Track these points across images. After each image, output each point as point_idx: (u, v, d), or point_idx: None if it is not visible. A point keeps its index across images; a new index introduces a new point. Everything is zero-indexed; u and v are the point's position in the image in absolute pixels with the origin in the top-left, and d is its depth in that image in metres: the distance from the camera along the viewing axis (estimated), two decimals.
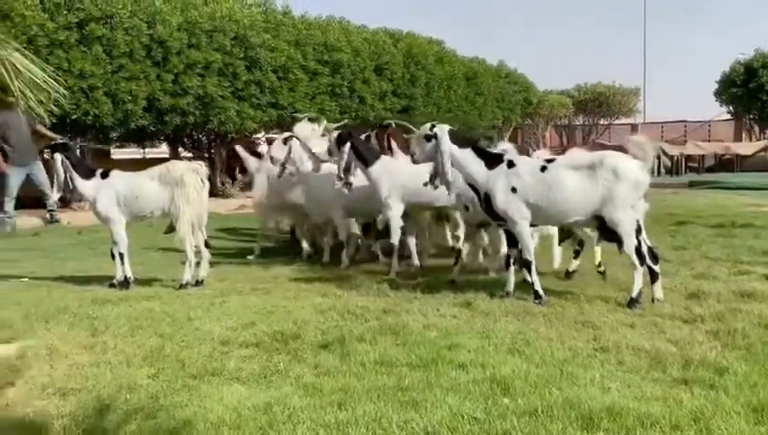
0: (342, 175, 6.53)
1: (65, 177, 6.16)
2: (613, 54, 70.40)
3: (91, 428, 3.18)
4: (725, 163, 26.51)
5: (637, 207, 5.31)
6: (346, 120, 8.41)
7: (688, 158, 25.73)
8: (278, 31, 15.79)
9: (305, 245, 7.94)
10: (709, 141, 29.25)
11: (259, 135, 10.95)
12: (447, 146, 5.51)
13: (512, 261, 5.68)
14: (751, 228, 9.18)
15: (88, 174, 6.29)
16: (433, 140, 5.57)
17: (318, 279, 6.51)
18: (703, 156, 26.38)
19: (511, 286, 5.58)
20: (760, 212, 11.29)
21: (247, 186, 9.96)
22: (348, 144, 6.57)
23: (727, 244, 7.96)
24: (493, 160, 5.57)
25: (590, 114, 33.84)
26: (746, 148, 27.51)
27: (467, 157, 5.56)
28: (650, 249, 5.35)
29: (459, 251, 6.34)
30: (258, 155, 8.75)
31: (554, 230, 6.45)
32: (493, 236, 6.61)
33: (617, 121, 34.35)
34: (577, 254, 6.34)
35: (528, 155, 7.01)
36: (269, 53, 15.25)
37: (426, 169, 5.71)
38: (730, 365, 3.73)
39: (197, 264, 6.27)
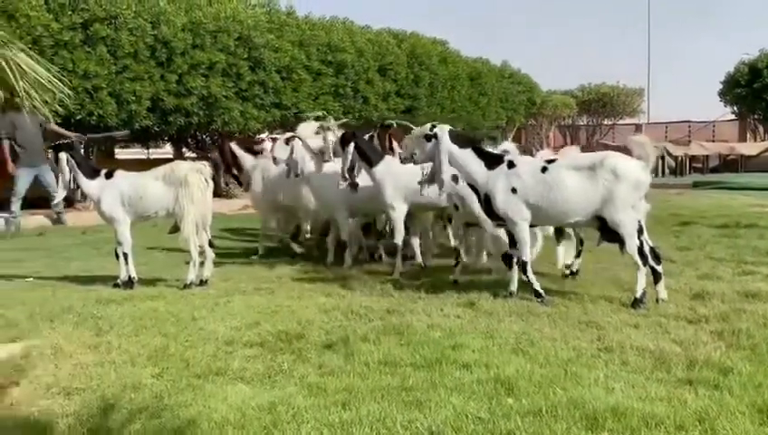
0: (347, 175, 6.53)
1: (71, 176, 6.19)
2: (617, 55, 70.44)
3: (95, 427, 3.19)
4: (730, 163, 26.46)
5: (638, 208, 5.30)
6: (343, 120, 8.37)
7: (692, 158, 25.70)
8: (282, 31, 15.80)
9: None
10: (713, 142, 29.23)
11: (263, 135, 10.96)
12: (446, 146, 5.52)
13: (514, 261, 5.68)
14: (755, 229, 9.16)
15: (92, 174, 6.30)
16: (433, 140, 5.58)
17: (322, 279, 6.51)
18: (707, 156, 26.35)
19: (514, 286, 5.58)
20: (764, 212, 11.27)
21: (243, 185, 9.99)
22: (352, 144, 6.59)
23: (732, 244, 7.94)
24: (493, 161, 5.57)
25: (594, 114, 33.83)
26: (751, 148, 27.48)
27: (467, 157, 5.56)
28: (652, 249, 5.34)
29: (459, 251, 6.36)
30: (254, 153, 8.75)
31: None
32: (478, 236, 6.65)
33: (621, 122, 34.33)
34: (578, 253, 6.34)
35: (531, 155, 7.02)
36: (273, 54, 15.26)
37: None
38: (734, 365, 3.72)
39: (201, 264, 6.28)
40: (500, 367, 3.77)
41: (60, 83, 4.97)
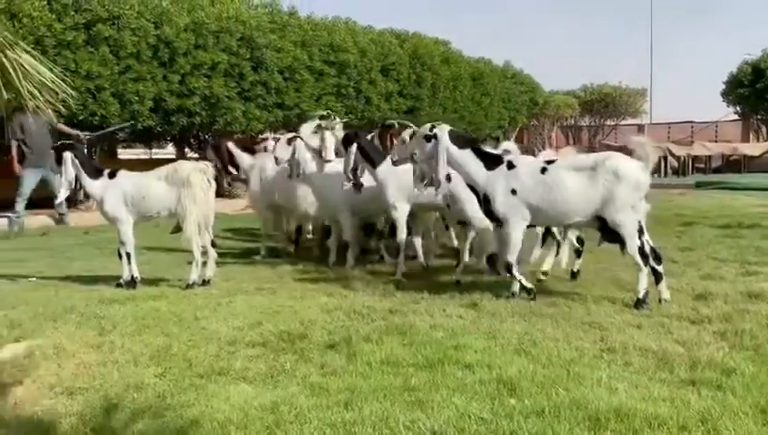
0: (351, 175, 6.54)
1: (75, 175, 6.19)
2: (620, 55, 70.39)
3: (98, 427, 3.19)
4: (732, 164, 26.43)
5: (638, 208, 5.30)
6: (337, 120, 8.37)
7: (695, 158, 25.67)
8: (284, 31, 15.82)
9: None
10: (716, 142, 29.18)
11: (268, 135, 10.97)
12: (446, 146, 5.52)
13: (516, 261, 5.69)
14: (758, 229, 9.15)
15: (95, 174, 6.31)
16: (432, 141, 5.58)
17: (324, 279, 6.52)
18: (710, 156, 26.32)
19: (516, 287, 5.57)
20: (767, 213, 11.24)
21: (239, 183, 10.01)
22: (354, 145, 6.59)
23: (734, 244, 7.93)
24: (492, 161, 5.56)
25: (597, 115, 33.81)
26: (753, 148, 27.44)
27: (467, 157, 5.56)
28: (653, 250, 5.33)
29: (459, 251, 6.36)
30: (251, 152, 8.76)
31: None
32: (458, 234, 6.76)
33: (623, 122, 34.29)
34: (579, 253, 6.33)
35: (534, 155, 7.01)
36: (275, 54, 15.28)
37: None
38: (738, 366, 3.72)
39: (204, 264, 6.29)
40: (502, 367, 3.76)
41: (63, 84, 4.97)
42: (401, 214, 6.72)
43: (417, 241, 7.20)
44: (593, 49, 78.59)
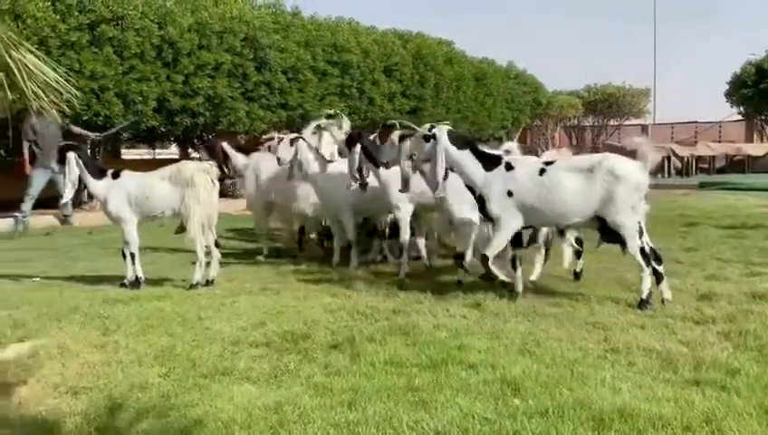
0: (356, 175, 6.54)
1: (80, 176, 6.21)
2: (623, 55, 70.22)
3: (102, 426, 3.20)
4: (736, 164, 26.38)
5: (637, 209, 5.29)
6: (345, 119, 8.37)
7: (699, 159, 25.62)
8: (288, 32, 15.83)
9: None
10: (720, 142, 29.14)
11: (273, 134, 10.98)
12: (444, 147, 5.52)
13: (518, 262, 5.70)
14: (762, 229, 9.13)
15: (99, 174, 6.32)
16: (431, 141, 5.58)
17: (327, 279, 6.52)
18: (713, 157, 26.28)
19: (519, 287, 5.58)
20: None
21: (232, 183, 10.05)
22: (358, 145, 6.59)
23: (738, 245, 7.92)
24: (491, 162, 5.57)
25: (600, 115, 33.75)
26: (757, 148, 27.37)
27: (465, 158, 5.56)
28: (653, 250, 5.32)
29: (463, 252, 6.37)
30: (245, 152, 8.76)
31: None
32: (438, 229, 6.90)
33: (627, 122, 34.25)
34: (579, 254, 6.32)
35: (537, 156, 7.00)
36: (279, 54, 15.29)
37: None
38: (742, 366, 3.71)
39: (208, 264, 6.29)
40: (506, 368, 3.76)
41: (67, 84, 4.98)
42: (404, 214, 6.72)
43: (421, 241, 7.19)
44: (596, 49, 78.52)
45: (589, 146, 30.45)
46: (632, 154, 5.41)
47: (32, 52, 4.64)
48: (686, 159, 24.03)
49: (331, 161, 7.27)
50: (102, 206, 6.42)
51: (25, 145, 11.13)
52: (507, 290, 5.43)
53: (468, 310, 5.14)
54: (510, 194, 5.40)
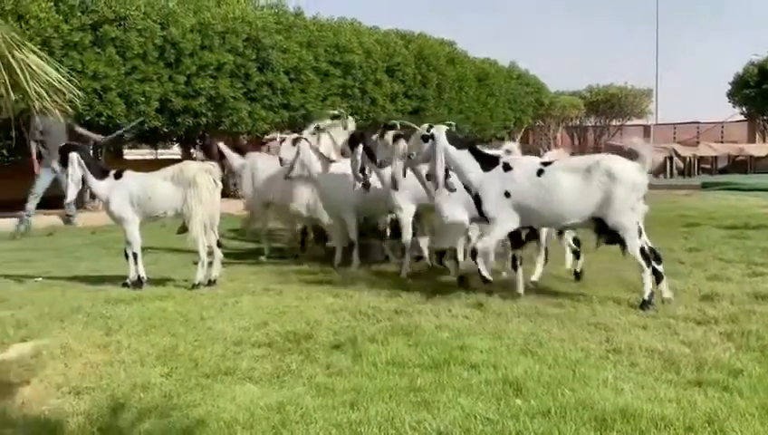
0: (360, 176, 6.55)
1: (82, 176, 6.22)
2: (625, 55, 70.10)
3: (105, 426, 3.21)
4: (739, 164, 26.36)
5: (636, 209, 5.29)
6: (350, 119, 8.37)
7: (701, 159, 25.60)
8: (290, 32, 15.83)
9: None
10: (722, 143, 29.12)
11: (276, 134, 10.98)
12: (443, 147, 5.53)
13: (518, 262, 5.70)
14: (764, 230, 9.12)
15: (101, 174, 6.33)
16: (430, 141, 5.59)
17: (329, 280, 6.52)
18: (716, 157, 26.26)
19: (521, 288, 5.58)
20: None
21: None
22: (361, 145, 6.59)
23: (741, 245, 7.91)
24: (489, 162, 5.57)
25: (602, 115, 33.71)
26: (760, 149, 27.36)
27: (464, 158, 5.57)
28: (652, 250, 5.32)
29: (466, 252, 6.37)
30: (242, 152, 8.76)
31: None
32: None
33: (629, 123, 34.21)
34: (577, 254, 6.31)
35: (539, 156, 7.00)
36: (281, 55, 15.29)
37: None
38: (744, 367, 3.71)
39: (210, 264, 6.30)
40: (508, 368, 3.77)
41: (70, 84, 4.99)
42: (407, 214, 6.73)
43: (423, 241, 7.20)
44: (598, 49, 78.36)
45: (591, 146, 30.43)
46: (631, 154, 5.41)
47: (35, 52, 4.66)
48: (688, 159, 24.02)
49: (333, 161, 7.28)
50: (105, 206, 6.43)
51: (33, 145, 11.15)
52: (485, 286, 5.47)
53: (470, 310, 5.14)
54: (507, 194, 5.41)
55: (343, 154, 7.34)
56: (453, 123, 5.82)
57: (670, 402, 3.27)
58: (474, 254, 5.54)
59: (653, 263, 5.25)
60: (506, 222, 5.46)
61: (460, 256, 6.47)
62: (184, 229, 6.53)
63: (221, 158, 8.41)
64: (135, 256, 6.27)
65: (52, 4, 11.44)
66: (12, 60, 4.34)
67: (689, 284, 5.85)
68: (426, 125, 5.80)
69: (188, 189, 6.15)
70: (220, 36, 14.11)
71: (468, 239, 6.51)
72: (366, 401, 3.37)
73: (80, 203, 11.40)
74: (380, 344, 4.25)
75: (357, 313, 5.10)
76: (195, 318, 5.03)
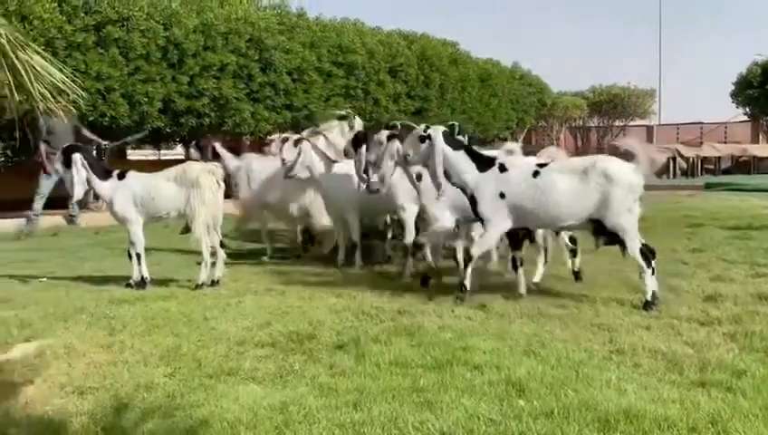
0: (363, 176, 6.56)
1: (86, 176, 6.23)
2: (628, 56, 70.08)
3: (109, 426, 3.21)
4: (742, 165, 26.32)
5: (633, 211, 5.27)
6: (357, 119, 8.37)
7: (704, 160, 25.57)
8: (293, 33, 15.84)
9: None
10: (725, 143, 29.07)
11: (276, 135, 11.01)
12: (441, 148, 5.53)
13: (518, 263, 5.71)
14: (767, 231, 9.10)
15: (105, 175, 6.34)
16: (427, 142, 5.59)
17: (332, 280, 6.53)
18: (719, 158, 26.22)
19: (523, 289, 5.58)
20: None
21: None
22: (364, 146, 6.60)
23: (744, 246, 7.89)
24: (484, 163, 5.58)
25: (605, 116, 33.69)
26: (763, 149, 27.34)
27: (460, 159, 5.57)
28: (645, 245, 5.28)
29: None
30: (237, 153, 8.76)
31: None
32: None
33: (632, 123, 34.18)
34: (574, 253, 6.30)
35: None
36: (284, 55, 15.31)
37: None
38: (748, 368, 3.70)
39: (213, 264, 6.31)
40: (511, 368, 3.77)
41: (73, 85, 5.01)
42: (410, 215, 6.73)
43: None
44: (601, 50, 78.29)
45: (594, 147, 30.41)
46: (627, 155, 5.39)
47: (38, 53, 4.67)
48: (691, 159, 23.98)
49: (336, 161, 7.28)
50: (108, 206, 6.44)
51: (42, 145, 11.17)
52: (462, 293, 5.44)
53: (473, 311, 5.14)
54: (502, 196, 5.41)
55: (346, 155, 7.34)
56: (457, 123, 5.83)
57: (673, 403, 3.27)
58: (467, 261, 5.53)
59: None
60: (499, 225, 5.47)
61: (459, 257, 6.47)
62: (187, 230, 6.54)
63: (216, 158, 8.38)
64: (138, 256, 6.28)
65: (55, 4, 11.46)
66: (16, 61, 4.35)
67: (693, 284, 5.84)
68: (423, 126, 5.81)
69: (191, 190, 6.16)
70: (223, 37, 14.13)
71: (471, 239, 6.53)
72: (369, 401, 3.37)
73: (83, 203, 11.42)
74: (383, 345, 4.25)
75: (360, 313, 5.10)
76: (198, 318, 5.04)
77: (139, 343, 4.44)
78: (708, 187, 18.84)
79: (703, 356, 3.93)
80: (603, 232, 5.34)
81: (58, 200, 11.27)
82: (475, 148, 5.97)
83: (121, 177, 6.33)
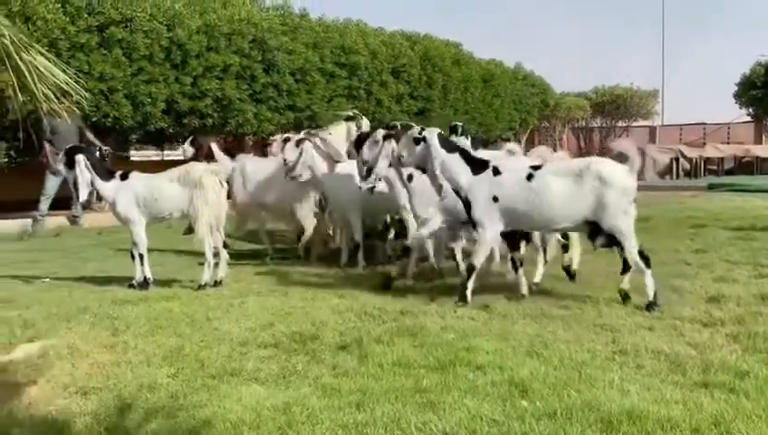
0: (366, 177, 6.56)
1: (90, 177, 6.24)
2: (631, 56, 69.97)
3: (112, 426, 3.22)
4: (745, 166, 26.27)
5: (629, 213, 5.26)
6: (365, 120, 8.35)
7: (707, 160, 25.54)
8: (296, 34, 15.86)
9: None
10: (728, 144, 29.01)
11: (277, 136, 11.02)
12: (437, 149, 5.54)
13: (518, 264, 5.71)
14: None
15: (108, 175, 6.36)
16: (422, 144, 5.59)
17: (335, 280, 6.53)
18: (722, 158, 26.19)
19: (524, 289, 5.58)
20: None
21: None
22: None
23: (747, 247, 7.88)
24: (479, 166, 5.58)
25: (608, 116, 33.61)
26: (766, 150, 27.26)
27: (454, 161, 5.58)
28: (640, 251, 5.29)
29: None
30: (232, 154, 8.77)
31: (574, 235, 6.39)
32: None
33: (635, 124, 34.12)
34: (566, 248, 6.28)
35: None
36: (287, 56, 15.32)
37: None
38: (750, 369, 3.70)
39: (216, 265, 6.32)
40: (514, 369, 3.77)
41: (76, 86, 5.02)
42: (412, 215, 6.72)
43: (428, 242, 7.18)
44: (604, 50, 78.13)
45: (597, 147, 30.36)
46: (620, 157, 5.38)
47: (42, 54, 4.68)
48: (694, 160, 23.96)
49: (338, 162, 7.29)
50: (111, 207, 6.45)
51: (47, 145, 11.20)
52: (461, 303, 5.38)
53: (476, 312, 5.14)
54: (495, 199, 5.41)
55: (349, 155, 7.35)
56: (460, 124, 5.84)
57: (676, 404, 3.27)
58: (470, 271, 5.50)
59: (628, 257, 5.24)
60: (493, 229, 5.47)
61: (459, 257, 6.49)
62: (190, 230, 6.55)
63: (210, 159, 8.36)
64: (141, 256, 6.29)
65: (59, 5, 11.49)
66: (19, 62, 4.37)
67: (695, 285, 5.83)
68: (417, 128, 5.83)
69: (194, 191, 6.17)
70: (226, 38, 14.15)
71: (472, 240, 6.53)
72: (372, 401, 3.37)
73: (86, 204, 11.44)
74: (386, 345, 4.25)
75: (362, 314, 5.11)
76: (201, 319, 5.04)
77: (142, 343, 4.44)
78: (711, 187, 18.81)
79: (706, 357, 3.93)
80: (600, 234, 5.34)
81: (61, 201, 11.31)
82: (469, 150, 5.99)
83: (124, 177, 6.34)
